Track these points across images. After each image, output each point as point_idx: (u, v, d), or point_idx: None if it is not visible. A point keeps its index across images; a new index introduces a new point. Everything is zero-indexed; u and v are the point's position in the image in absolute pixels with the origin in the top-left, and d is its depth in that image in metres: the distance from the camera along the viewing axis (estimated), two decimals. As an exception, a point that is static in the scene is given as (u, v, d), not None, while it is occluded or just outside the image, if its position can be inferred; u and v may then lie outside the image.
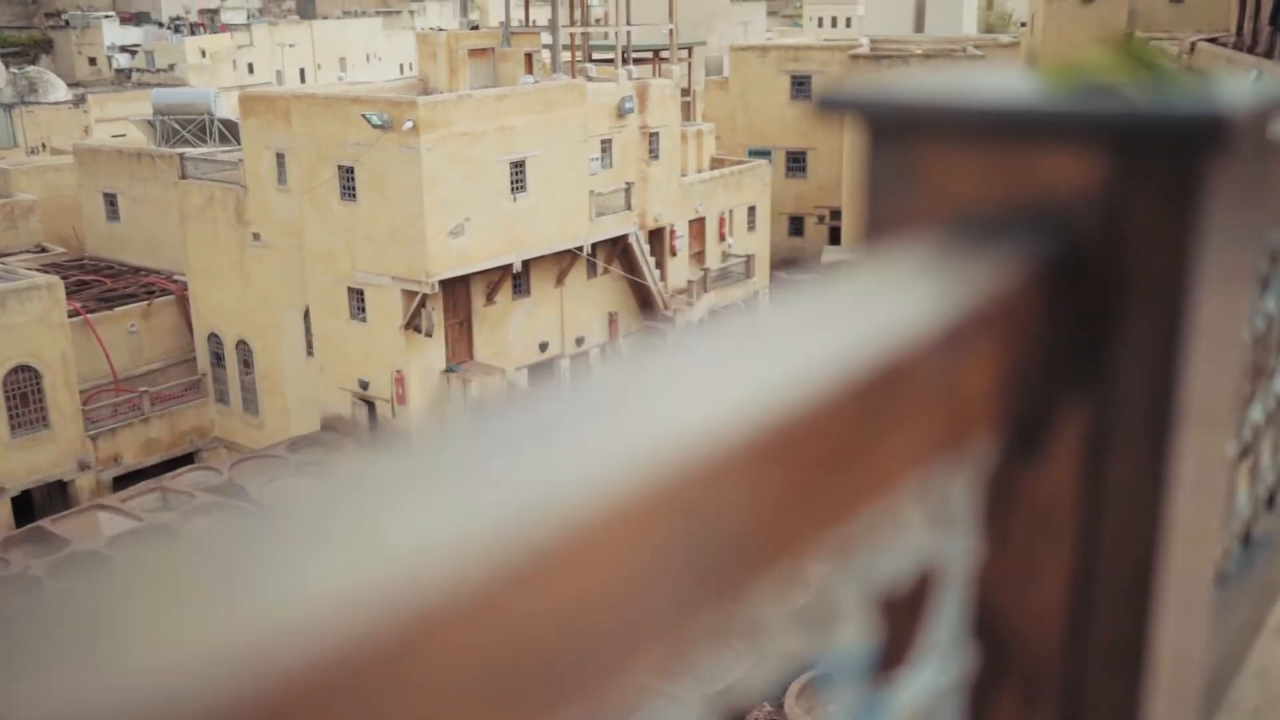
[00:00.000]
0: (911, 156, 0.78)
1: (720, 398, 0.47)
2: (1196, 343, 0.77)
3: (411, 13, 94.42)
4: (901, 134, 0.79)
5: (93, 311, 33.39)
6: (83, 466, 30.63)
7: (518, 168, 29.22)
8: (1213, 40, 33.02)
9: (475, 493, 0.40)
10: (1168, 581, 0.80)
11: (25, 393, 29.54)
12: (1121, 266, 0.75)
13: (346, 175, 28.45)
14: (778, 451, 0.48)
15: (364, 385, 29.70)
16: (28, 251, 39.26)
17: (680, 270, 35.96)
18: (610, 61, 35.99)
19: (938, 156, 0.78)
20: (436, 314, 28.72)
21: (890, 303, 0.60)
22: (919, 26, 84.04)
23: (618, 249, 33.38)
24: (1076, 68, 0.78)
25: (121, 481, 30.85)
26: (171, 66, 70.83)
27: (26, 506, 29.55)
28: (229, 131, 38.73)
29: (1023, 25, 73.25)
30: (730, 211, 37.93)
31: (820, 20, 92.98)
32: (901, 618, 0.72)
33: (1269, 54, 26.78)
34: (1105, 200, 0.75)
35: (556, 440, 0.45)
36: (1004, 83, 0.79)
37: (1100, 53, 0.79)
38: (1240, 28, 30.85)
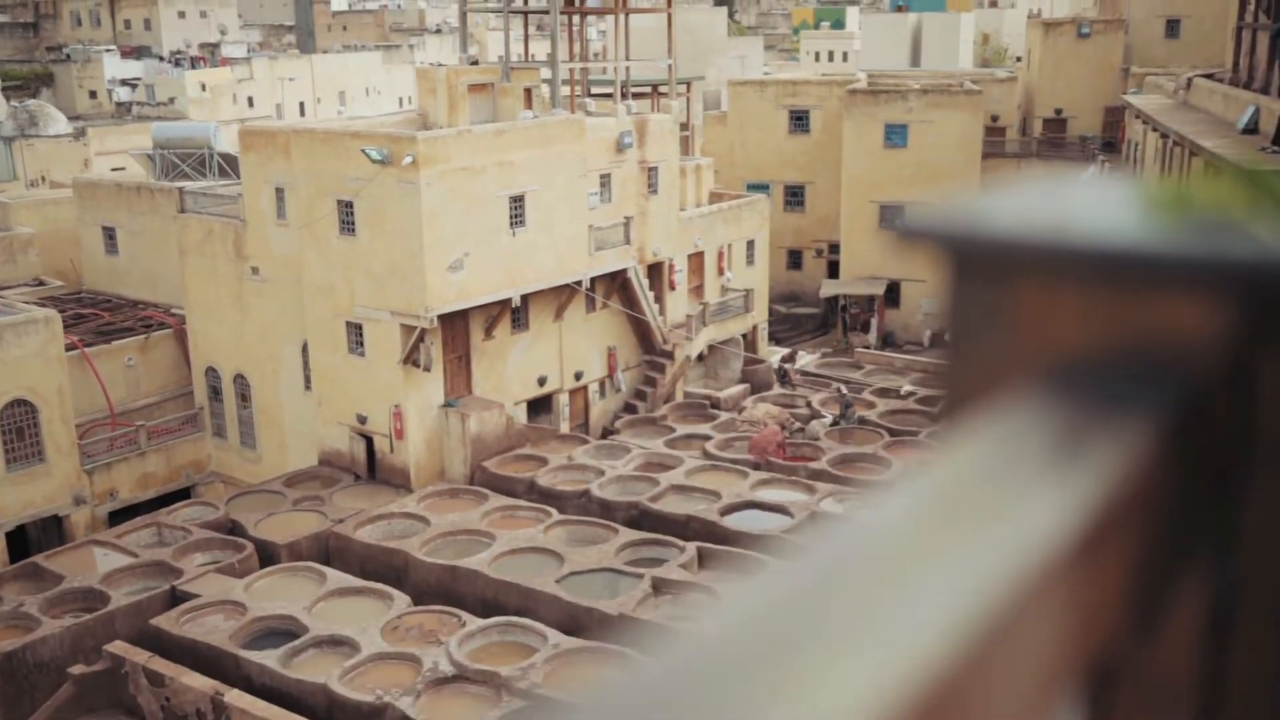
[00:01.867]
0: (1007, 298, 0.71)
1: (873, 665, 0.47)
2: None
3: (411, 47, 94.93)
4: (997, 273, 0.71)
5: (90, 345, 33.28)
6: (78, 501, 30.42)
7: (517, 202, 29.22)
8: (1209, 76, 33.15)
9: None
10: None
11: (21, 427, 29.38)
12: (1250, 425, 0.67)
13: (346, 210, 28.43)
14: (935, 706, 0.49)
15: (362, 420, 29.56)
16: (25, 285, 39.19)
17: (679, 304, 35.91)
18: (609, 96, 36.08)
19: (1038, 299, 0.70)
20: (435, 348, 28.62)
21: (1021, 516, 0.56)
22: (915, 61, 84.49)
23: (617, 283, 33.34)
24: (1192, 200, 0.70)
25: (117, 516, 30.63)
26: (172, 100, 71.05)
27: (21, 542, 29.31)
28: (228, 166, 38.75)
29: (1018, 60, 73.65)
30: (729, 246, 37.94)
31: (817, 54, 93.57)
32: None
33: (1266, 89, 26.87)
34: (1232, 352, 0.67)
35: None
36: (1110, 215, 0.71)
37: (1219, 183, 0.70)
38: (1237, 63, 30.97)
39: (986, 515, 0.56)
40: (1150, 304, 0.68)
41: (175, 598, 23.80)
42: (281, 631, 22.23)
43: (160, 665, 21.29)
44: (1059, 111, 49.99)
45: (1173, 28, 48.65)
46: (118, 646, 22.00)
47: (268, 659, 21.07)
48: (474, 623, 21.96)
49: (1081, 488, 0.58)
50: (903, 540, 0.56)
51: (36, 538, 29.78)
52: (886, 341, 44.96)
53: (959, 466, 0.60)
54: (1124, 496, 0.61)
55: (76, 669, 21.87)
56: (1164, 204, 0.71)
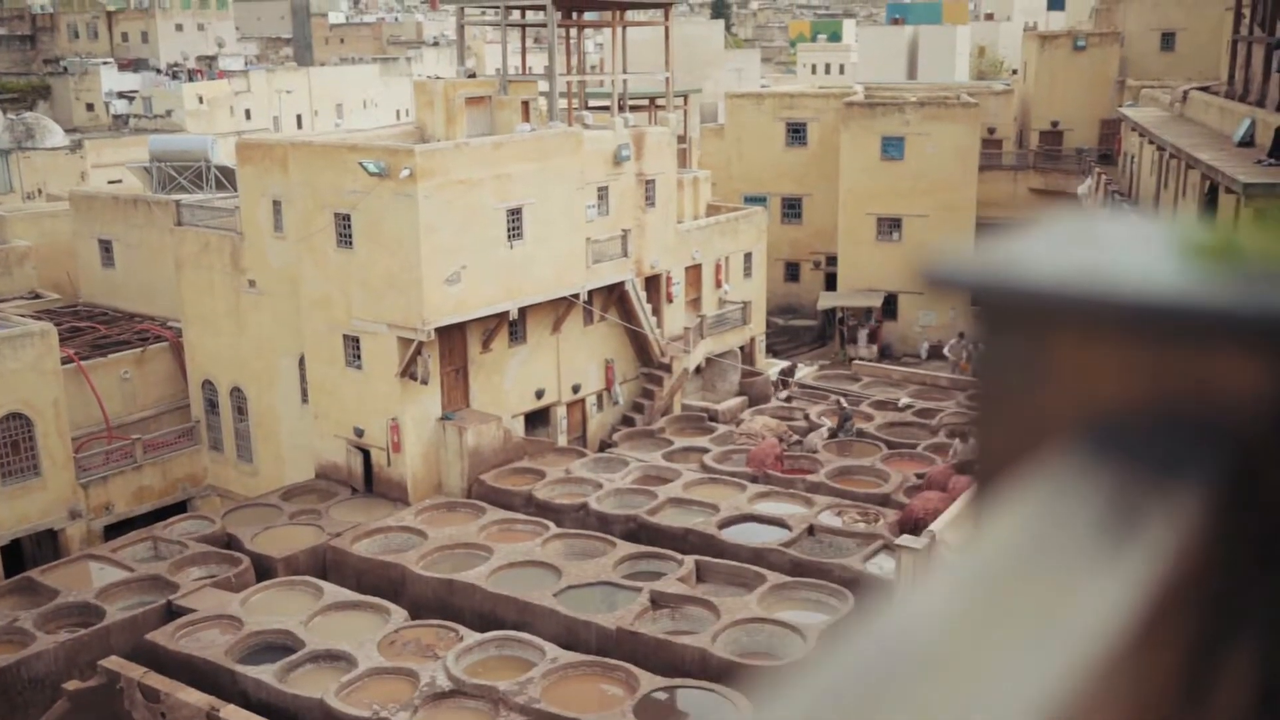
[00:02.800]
0: (1045, 351, 0.66)
1: None
2: None
3: (408, 60, 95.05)
4: (1034, 325, 0.66)
5: (86, 358, 33.19)
6: (74, 515, 30.32)
7: (514, 215, 29.20)
8: (1205, 89, 33.20)
9: None
10: None
11: (16, 440, 29.29)
12: None
13: (343, 222, 28.40)
14: None
15: (359, 433, 29.48)
16: (21, 298, 39.13)
17: (677, 317, 35.88)
18: (606, 109, 36.11)
19: (1077, 353, 0.65)
20: (432, 361, 28.57)
21: (1079, 609, 0.53)
22: (912, 73, 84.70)
23: (614, 296, 33.32)
24: (1235, 250, 0.65)
25: (113, 530, 30.52)
26: (169, 112, 71.07)
27: (16, 556, 29.20)
28: (226, 178, 38.73)
29: (1014, 73, 73.82)
30: (726, 258, 37.92)
31: (814, 67, 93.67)
32: None
33: (1261, 102, 26.90)
34: None
35: None
36: (1150, 262, 0.67)
37: (1262, 231, 0.66)
38: (1232, 76, 31.01)
39: (1042, 610, 0.52)
40: (1196, 360, 0.63)
41: (171, 612, 23.69)
42: (278, 646, 22.13)
43: (156, 681, 21.17)
44: (1055, 124, 50.07)
45: (1168, 41, 48.76)
46: (113, 662, 21.88)
47: (264, 674, 20.96)
48: (471, 637, 21.87)
49: (1137, 569, 0.55)
50: (957, 640, 0.53)
51: (31, 552, 29.67)
52: (883, 353, 44.94)
53: (1008, 547, 0.57)
54: (1178, 574, 0.57)
55: (71, 685, 21.75)
56: (1206, 250, 0.67)
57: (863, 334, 44.81)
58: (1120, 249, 0.71)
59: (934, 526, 16.75)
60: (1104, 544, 0.56)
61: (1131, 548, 0.56)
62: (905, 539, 16.72)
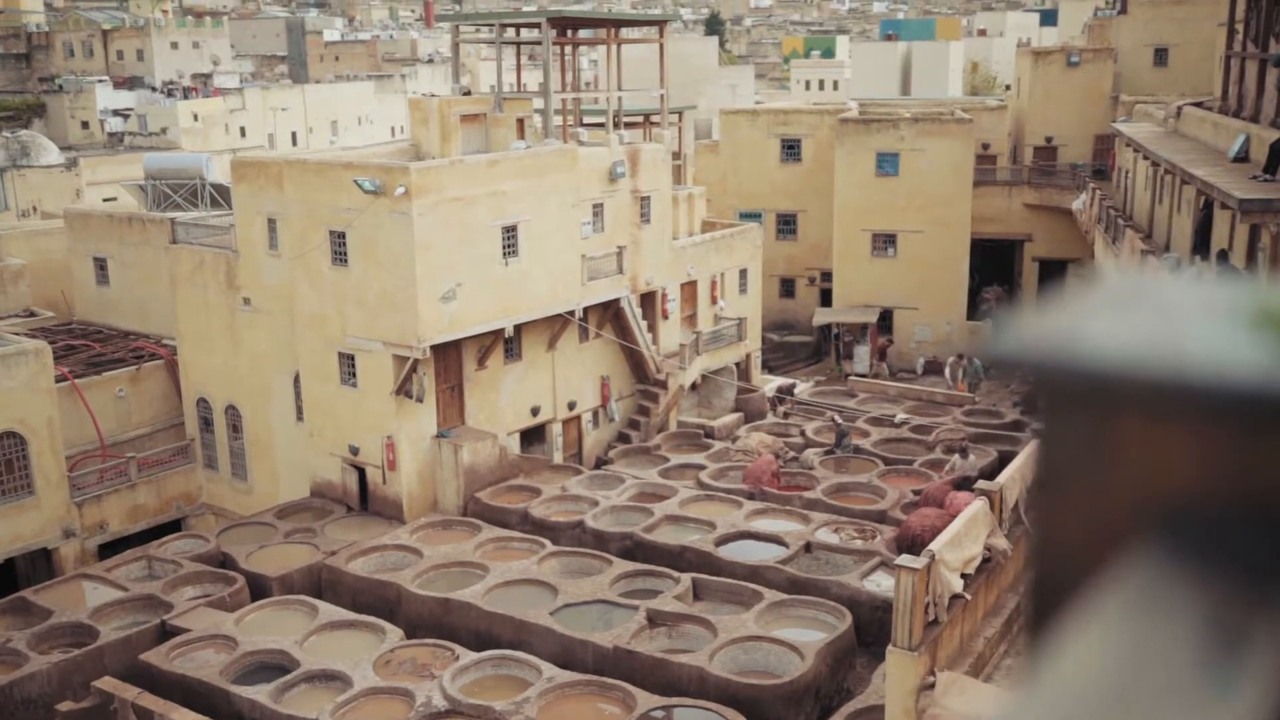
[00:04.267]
0: (1111, 436, 0.62)
1: None
2: None
3: (403, 77, 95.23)
4: (1100, 408, 0.62)
5: (81, 376, 33.09)
6: (68, 534, 30.17)
7: (510, 232, 29.19)
8: (1198, 104, 33.29)
9: None
10: None
11: (10, 459, 29.17)
12: None
13: (338, 240, 28.36)
14: None
15: (354, 451, 29.39)
16: (16, 316, 39.05)
17: (672, 333, 35.85)
18: (601, 126, 36.15)
19: (1147, 438, 0.61)
20: (428, 379, 28.50)
21: None
22: (905, 89, 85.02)
23: (610, 313, 33.29)
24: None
25: (107, 549, 30.37)
26: (164, 130, 71.11)
27: (9, 576, 29.04)
28: (220, 196, 38.73)
29: (1007, 89, 74.05)
30: (722, 274, 37.92)
31: (807, 83, 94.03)
32: None
33: (1255, 118, 26.96)
34: None
35: None
36: (1224, 342, 0.62)
37: None
38: (1226, 91, 31.10)
39: None
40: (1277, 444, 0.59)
41: (165, 632, 23.55)
42: (273, 666, 21.99)
43: (150, 702, 21.02)
44: (1049, 139, 50.18)
45: (1161, 56, 48.91)
46: (106, 683, 21.72)
47: (259, 694, 20.82)
48: (467, 656, 21.74)
49: (1248, 703, 0.48)
50: None
51: (25, 571, 29.52)
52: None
53: (1098, 685, 0.50)
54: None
55: (64, 706, 21.59)
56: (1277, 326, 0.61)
57: (861, 350, 44.74)
58: (1189, 318, 0.65)
59: (933, 546, 16.67)
60: (1211, 677, 0.49)
61: (1242, 679, 0.49)
62: (905, 559, 16.65)
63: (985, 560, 18.30)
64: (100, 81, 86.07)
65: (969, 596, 17.33)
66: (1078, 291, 0.72)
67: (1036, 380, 0.64)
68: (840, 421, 33.18)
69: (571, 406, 32.95)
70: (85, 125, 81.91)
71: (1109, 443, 0.63)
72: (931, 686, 15.81)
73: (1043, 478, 0.65)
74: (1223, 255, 21.44)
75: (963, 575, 17.16)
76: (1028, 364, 0.64)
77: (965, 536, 17.31)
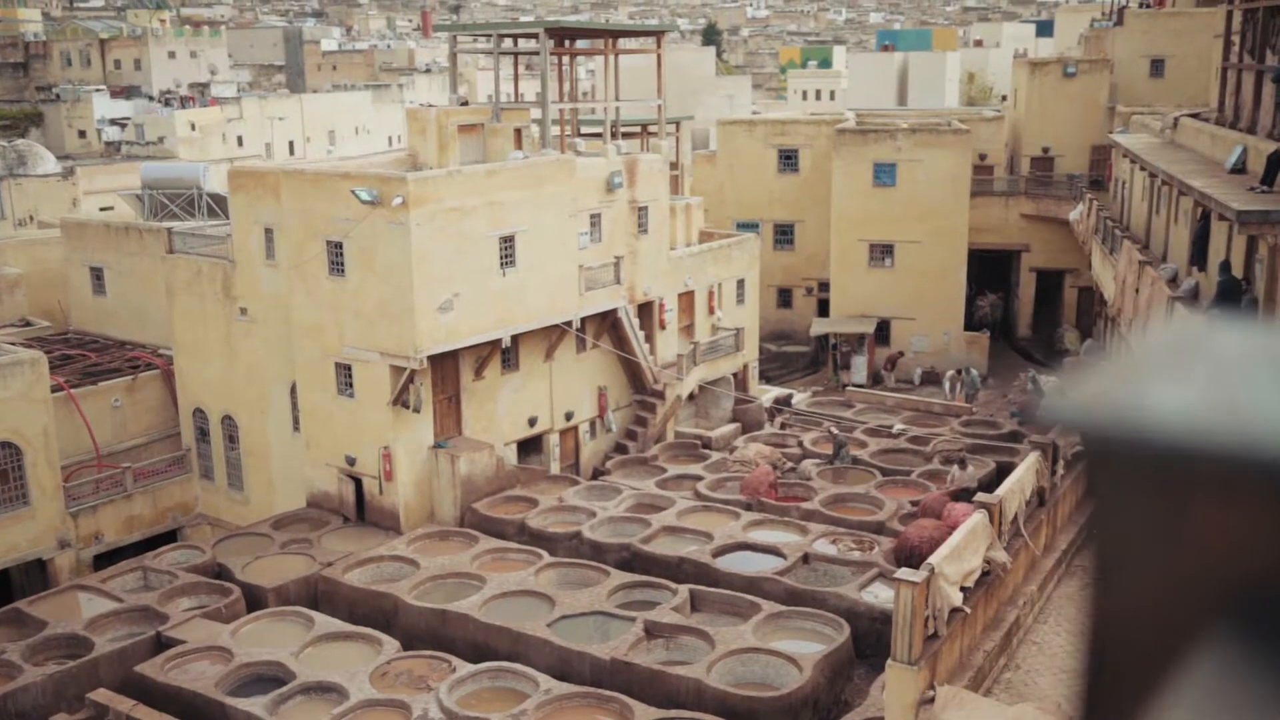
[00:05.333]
0: (1181, 513, 0.58)
1: None
2: None
3: (400, 86, 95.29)
4: (1168, 484, 0.57)
5: (76, 386, 33.01)
6: (63, 545, 30.06)
7: (507, 243, 29.16)
8: (1195, 115, 33.33)
9: None
10: None
11: (5, 469, 29.07)
12: None
13: (335, 250, 28.32)
14: None
15: (351, 461, 29.31)
16: (12, 325, 38.95)
17: (670, 344, 35.81)
18: (599, 136, 36.15)
19: (1219, 516, 0.57)
20: (425, 389, 28.44)
21: None
22: (902, 99, 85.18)
23: (607, 323, 33.26)
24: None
25: (102, 560, 30.25)
26: (161, 139, 71.08)
27: (4, 586, 28.92)
28: (217, 206, 38.66)
29: (1004, 99, 74.16)
30: (719, 284, 37.90)
31: (804, 93, 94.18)
32: None
33: (1253, 129, 26.99)
34: None
35: None
36: None
37: None
38: (1222, 102, 31.13)
39: None
40: None
41: (161, 644, 23.43)
42: (269, 678, 21.88)
43: (145, 714, 20.90)
44: (1046, 150, 50.26)
45: (1157, 67, 49.01)
46: (101, 695, 21.60)
47: (255, 706, 20.71)
48: (464, 668, 21.65)
49: None
50: None
51: (19, 582, 29.39)
52: (876, 380, 44.88)
53: None
54: None
55: (59, 718, 21.46)
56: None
57: (858, 360, 44.69)
58: (1251, 377, 0.61)
59: (933, 560, 16.62)
60: None
61: None
62: (904, 572, 16.59)
63: (984, 573, 18.25)
64: (97, 91, 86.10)
65: (969, 610, 17.27)
66: (1129, 349, 0.66)
67: (1095, 454, 0.60)
68: (834, 432, 33.12)
69: (569, 417, 32.89)
70: (82, 134, 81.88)
71: (1179, 521, 0.58)
72: (931, 701, 15.74)
73: (1104, 559, 0.61)
74: (1224, 267, 21.42)
75: (962, 588, 17.11)
76: (1085, 435, 0.60)
77: (965, 550, 17.26)
